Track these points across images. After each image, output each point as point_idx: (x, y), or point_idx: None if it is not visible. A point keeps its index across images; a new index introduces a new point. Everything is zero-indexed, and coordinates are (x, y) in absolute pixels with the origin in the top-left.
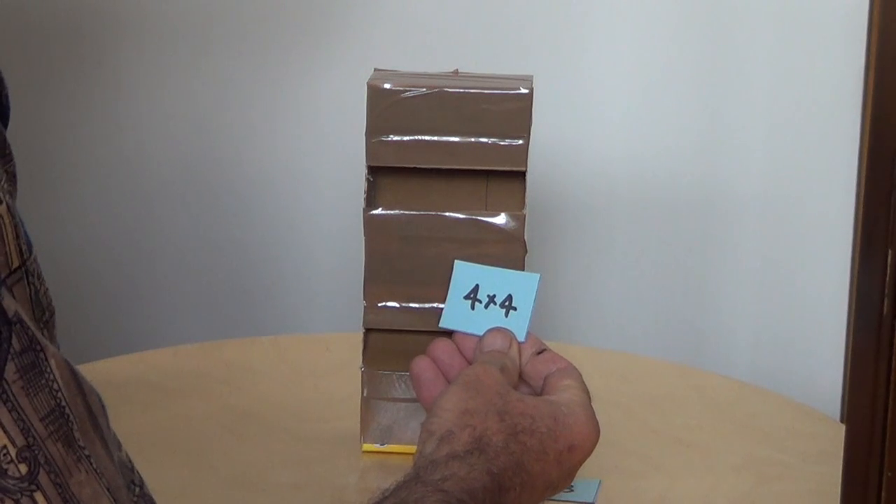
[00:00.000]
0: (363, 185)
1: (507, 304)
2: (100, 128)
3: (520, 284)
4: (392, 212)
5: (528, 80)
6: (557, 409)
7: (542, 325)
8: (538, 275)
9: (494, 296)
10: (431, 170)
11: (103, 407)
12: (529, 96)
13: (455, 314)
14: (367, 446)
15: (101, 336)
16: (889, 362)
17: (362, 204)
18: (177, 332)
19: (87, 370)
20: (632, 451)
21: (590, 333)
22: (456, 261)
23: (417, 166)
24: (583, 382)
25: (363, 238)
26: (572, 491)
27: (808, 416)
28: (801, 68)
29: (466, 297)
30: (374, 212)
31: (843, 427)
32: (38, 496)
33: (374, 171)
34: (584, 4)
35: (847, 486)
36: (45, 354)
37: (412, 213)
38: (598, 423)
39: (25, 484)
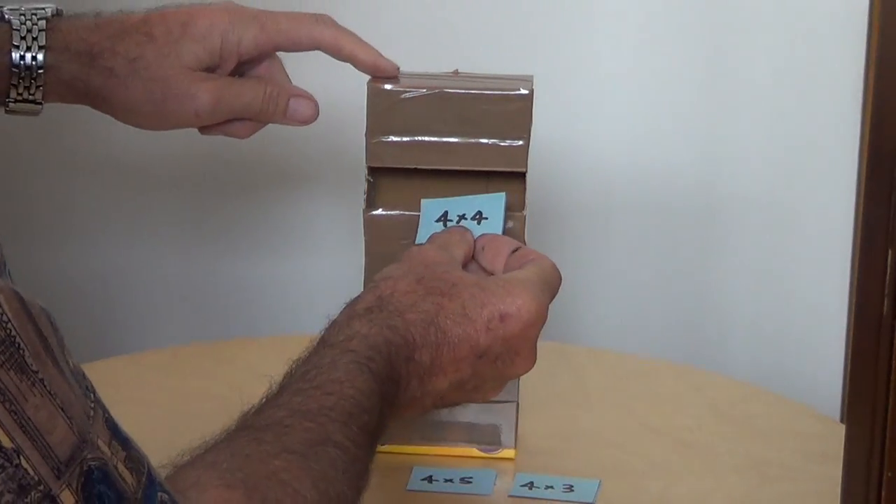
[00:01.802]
0: (363, 185)
1: (477, 217)
2: (98, 125)
3: (487, 204)
4: (392, 212)
5: (528, 81)
6: (489, 280)
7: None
8: (503, 193)
9: (464, 214)
10: (431, 170)
11: (52, 323)
12: (530, 97)
13: (429, 235)
14: None
15: (100, 336)
16: (889, 362)
17: (362, 205)
18: (177, 332)
19: (86, 370)
20: (632, 451)
21: (590, 333)
22: (422, 199)
23: (417, 167)
24: (547, 272)
25: (363, 238)
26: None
27: (808, 416)
28: (801, 69)
29: (437, 221)
30: (374, 212)
31: (843, 427)
32: None
33: (374, 171)
34: (585, 4)
35: (847, 486)
36: None
37: (412, 213)
38: (542, 303)
39: None
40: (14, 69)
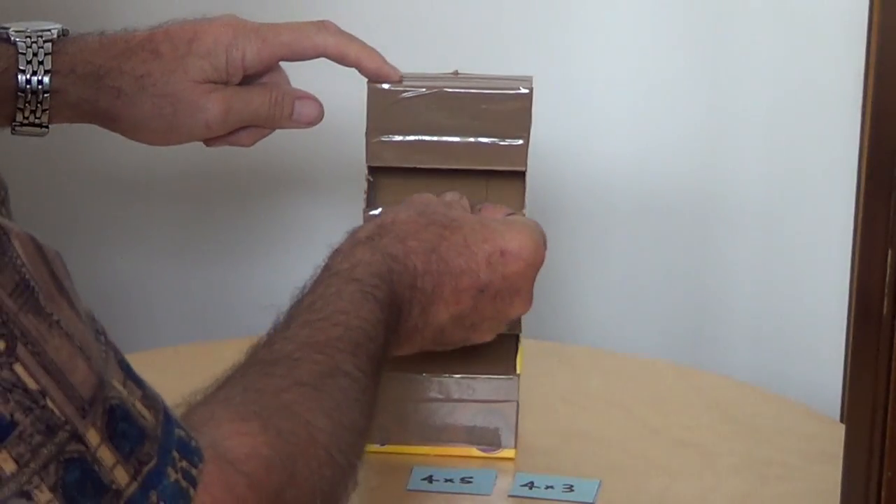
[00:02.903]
0: (363, 185)
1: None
2: (98, 137)
3: None
4: None
5: (528, 81)
6: (489, 219)
7: (542, 325)
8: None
9: None
10: (432, 170)
11: (64, 266)
12: (529, 96)
13: None
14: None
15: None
16: (889, 362)
17: (362, 204)
18: (178, 333)
19: None
20: (632, 451)
21: (590, 333)
22: None
23: (417, 166)
24: (538, 228)
25: None
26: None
27: (808, 416)
28: (801, 68)
29: None
30: (375, 212)
31: (843, 427)
32: (18, 367)
33: (374, 171)
34: (584, 4)
35: (847, 486)
36: (7, 236)
37: None
38: (540, 246)
39: (4, 358)
40: (20, 93)
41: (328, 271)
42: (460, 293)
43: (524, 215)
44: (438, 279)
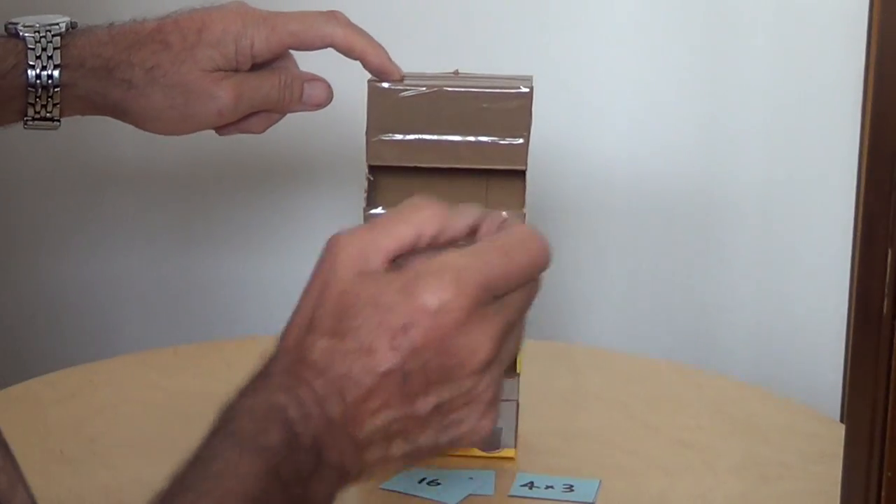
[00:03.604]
0: (363, 184)
1: None
2: (95, 126)
3: None
4: None
5: (528, 80)
6: (385, 294)
7: (543, 325)
8: None
9: None
10: (432, 169)
11: None
12: (529, 95)
13: None
14: None
15: (99, 336)
16: (889, 362)
17: (362, 204)
18: (178, 333)
19: (87, 370)
20: (632, 451)
21: (590, 333)
22: None
23: (418, 166)
24: (499, 245)
25: None
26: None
27: (808, 416)
28: (801, 68)
29: None
30: (375, 211)
31: (843, 427)
32: None
33: (374, 170)
34: (585, 5)
35: (847, 486)
36: None
37: None
38: (449, 290)
39: None
40: (30, 88)
41: (212, 431)
42: (380, 394)
43: (524, 214)
44: (340, 396)
